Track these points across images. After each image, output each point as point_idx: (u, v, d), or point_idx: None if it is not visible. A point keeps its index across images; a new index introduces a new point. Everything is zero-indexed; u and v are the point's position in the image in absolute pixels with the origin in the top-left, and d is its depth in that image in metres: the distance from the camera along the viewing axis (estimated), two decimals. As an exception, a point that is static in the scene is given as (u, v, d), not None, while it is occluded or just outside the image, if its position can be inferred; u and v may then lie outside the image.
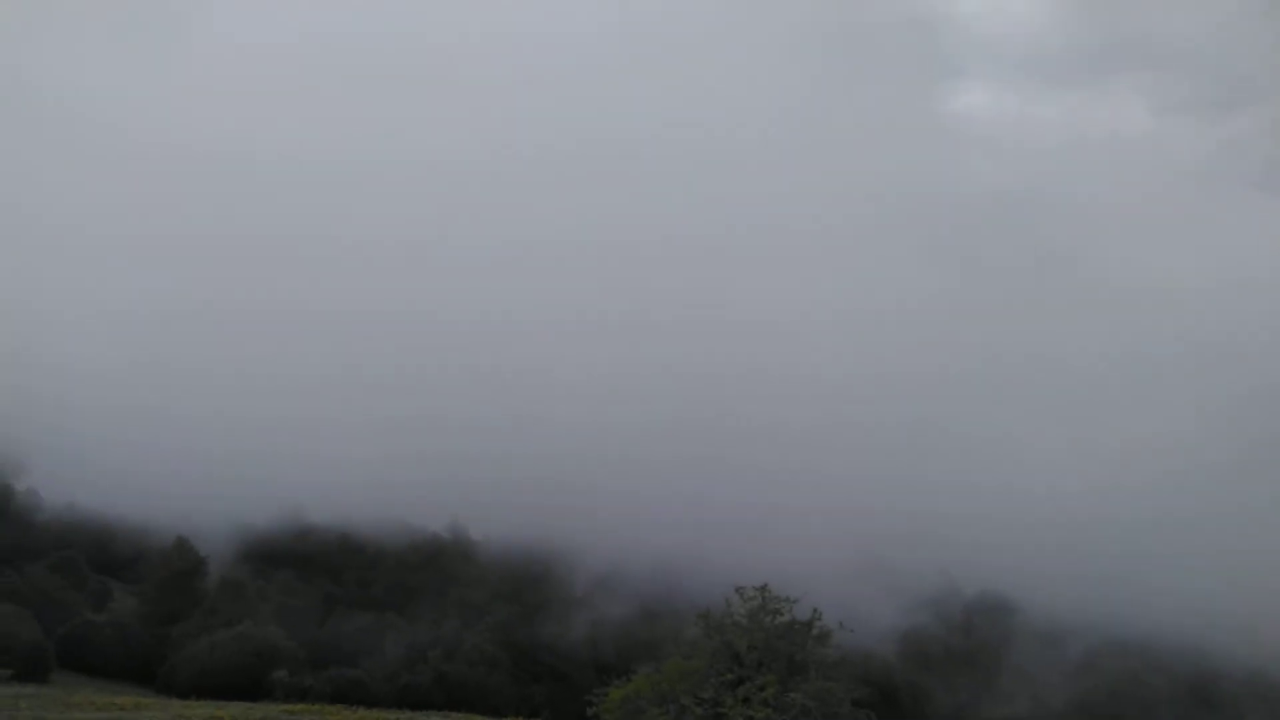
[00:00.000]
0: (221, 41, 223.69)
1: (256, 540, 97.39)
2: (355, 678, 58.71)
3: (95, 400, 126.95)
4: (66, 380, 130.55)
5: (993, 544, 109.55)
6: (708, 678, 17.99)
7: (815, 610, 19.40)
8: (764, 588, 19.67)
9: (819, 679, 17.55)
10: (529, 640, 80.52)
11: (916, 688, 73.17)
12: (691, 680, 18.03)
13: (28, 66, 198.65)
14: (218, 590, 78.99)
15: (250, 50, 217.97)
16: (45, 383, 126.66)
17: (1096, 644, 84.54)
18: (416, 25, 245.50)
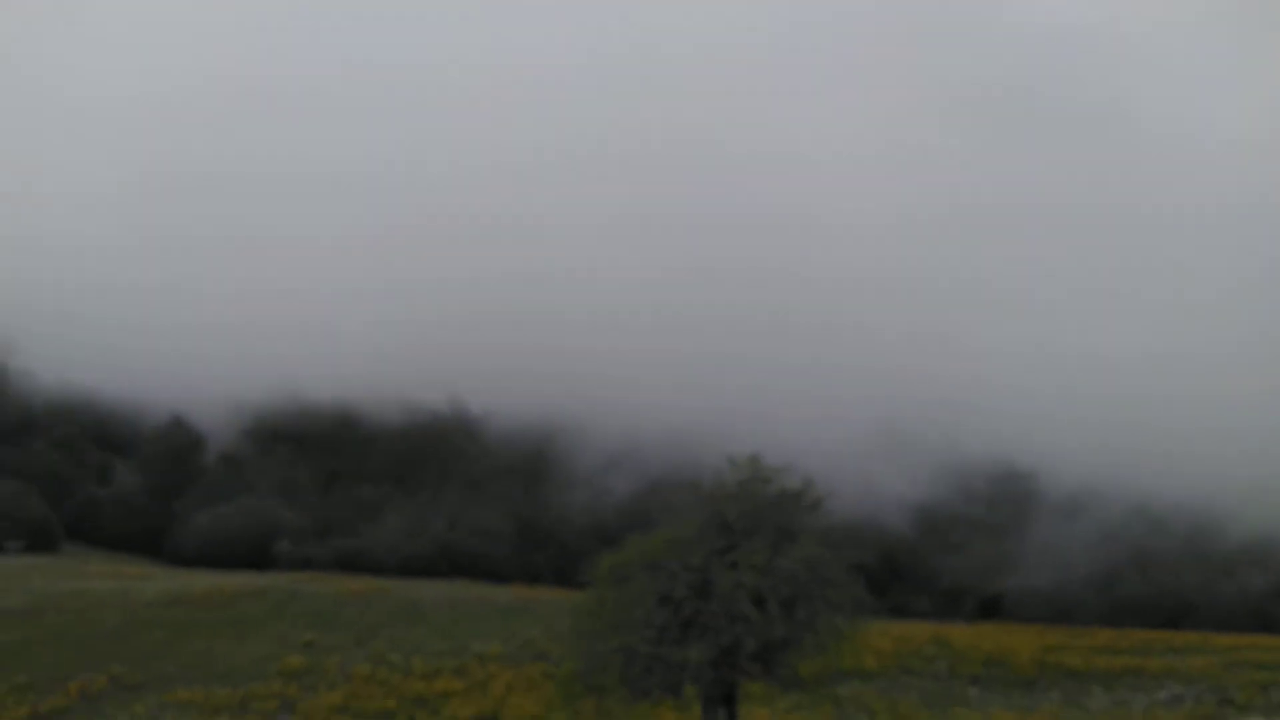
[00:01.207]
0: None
1: (255, 417, 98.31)
2: (357, 547, 59.98)
3: (86, 276, 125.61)
4: (57, 256, 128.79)
5: (1014, 413, 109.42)
6: (697, 546, 17.73)
7: (808, 479, 19.02)
8: (755, 457, 19.27)
9: (809, 546, 17.29)
10: (531, 512, 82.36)
11: (929, 559, 74.76)
12: (681, 548, 17.79)
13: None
14: (217, 466, 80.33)
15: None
16: (36, 260, 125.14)
17: (1117, 515, 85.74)
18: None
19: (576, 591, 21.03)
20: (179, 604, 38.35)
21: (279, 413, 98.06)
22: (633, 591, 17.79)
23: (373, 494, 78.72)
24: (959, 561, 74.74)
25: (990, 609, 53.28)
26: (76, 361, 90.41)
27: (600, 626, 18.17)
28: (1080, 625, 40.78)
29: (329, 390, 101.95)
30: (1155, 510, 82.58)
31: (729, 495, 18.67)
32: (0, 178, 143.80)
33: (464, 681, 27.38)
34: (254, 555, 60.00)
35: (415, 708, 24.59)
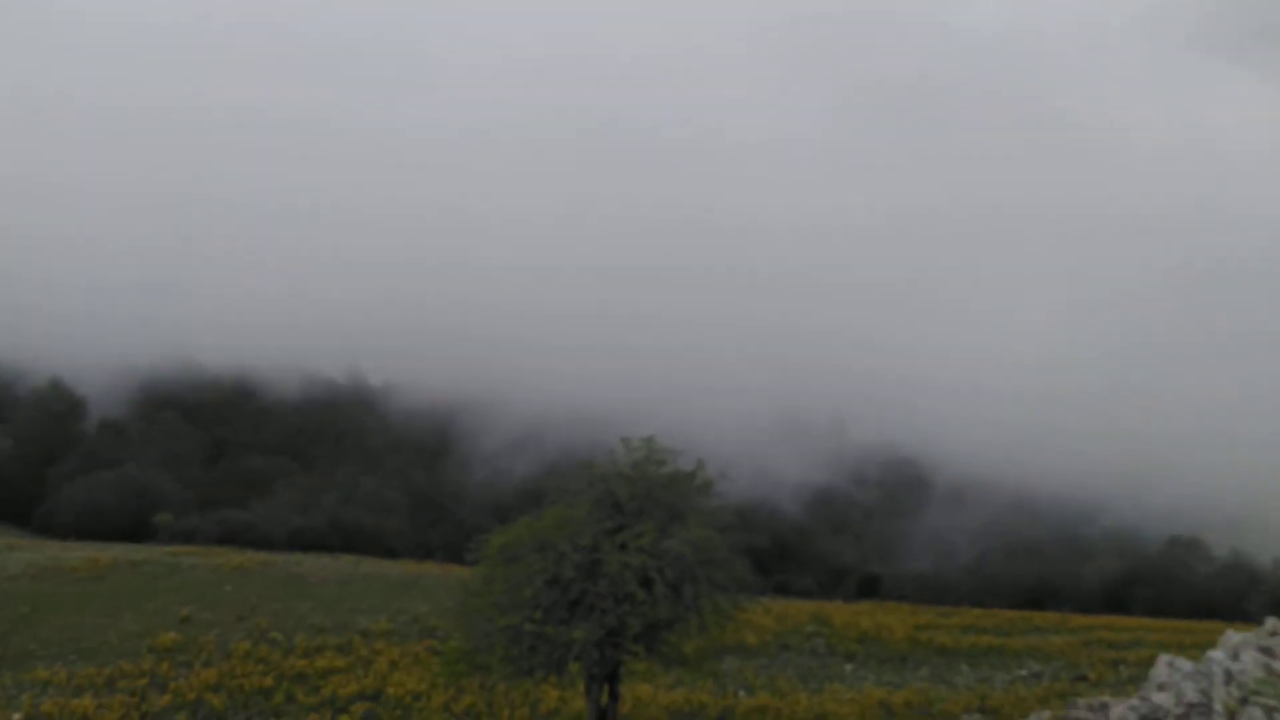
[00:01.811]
0: None
1: (141, 383, 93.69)
2: (244, 520, 57.96)
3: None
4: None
5: (907, 405, 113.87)
6: (587, 526, 17.88)
7: (700, 461, 19.40)
8: (649, 439, 19.52)
9: (697, 528, 17.66)
10: (428, 488, 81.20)
11: (820, 542, 77.07)
12: (570, 528, 17.90)
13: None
14: (97, 432, 76.37)
15: None
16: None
17: (997, 503, 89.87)
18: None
19: (468, 568, 20.94)
20: (46, 577, 36.49)
21: (167, 379, 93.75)
22: (521, 571, 17.84)
23: (264, 466, 76.27)
24: (848, 545, 77.57)
25: (868, 588, 55.48)
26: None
27: (486, 606, 18.18)
28: (951, 605, 43.06)
29: (223, 358, 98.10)
30: (1030, 500, 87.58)
31: (621, 476, 18.87)
32: None
33: (347, 658, 26.93)
34: (132, 528, 57.33)
35: (295, 685, 24.01)
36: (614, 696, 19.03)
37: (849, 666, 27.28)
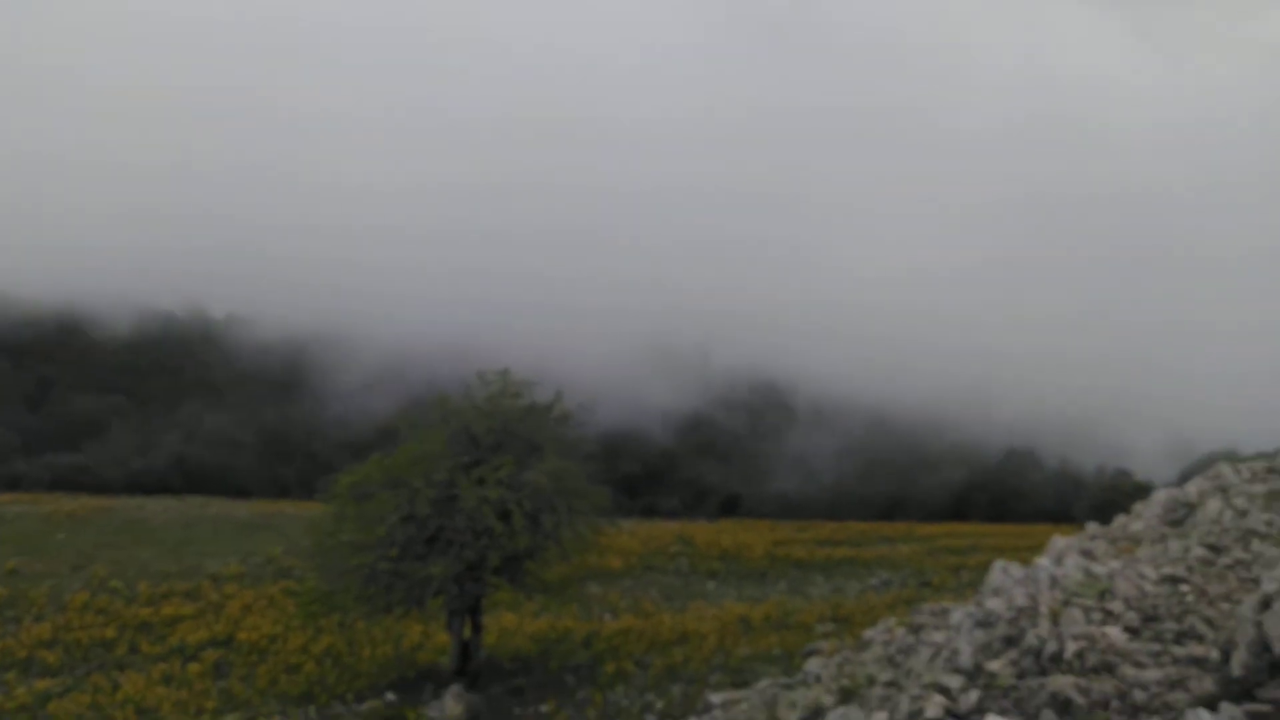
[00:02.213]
0: None
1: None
2: (77, 463, 54.05)
3: None
4: None
5: (773, 327, 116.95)
6: (442, 461, 17.46)
7: (557, 393, 19.21)
8: (505, 371, 19.16)
9: (554, 459, 17.55)
10: (282, 424, 77.74)
11: (690, 467, 78.86)
12: (425, 464, 17.43)
13: None
14: (-104, 373, 69.03)
15: None
16: None
17: (854, 420, 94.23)
18: None
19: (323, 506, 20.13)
20: None
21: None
22: (374, 510, 17.31)
23: (96, 405, 71.00)
24: (715, 469, 79.83)
25: (730, 508, 57.40)
26: None
27: (339, 545, 17.60)
28: (808, 520, 45.27)
29: (44, 291, 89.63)
30: (884, 417, 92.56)
31: (477, 410, 18.48)
32: None
33: (196, 605, 25.71)
34: (-54, 476, 52.49)
35: (139, 635, 22.74)
36: (476, 629, 18.98)
37: (711, 584, 28.27)
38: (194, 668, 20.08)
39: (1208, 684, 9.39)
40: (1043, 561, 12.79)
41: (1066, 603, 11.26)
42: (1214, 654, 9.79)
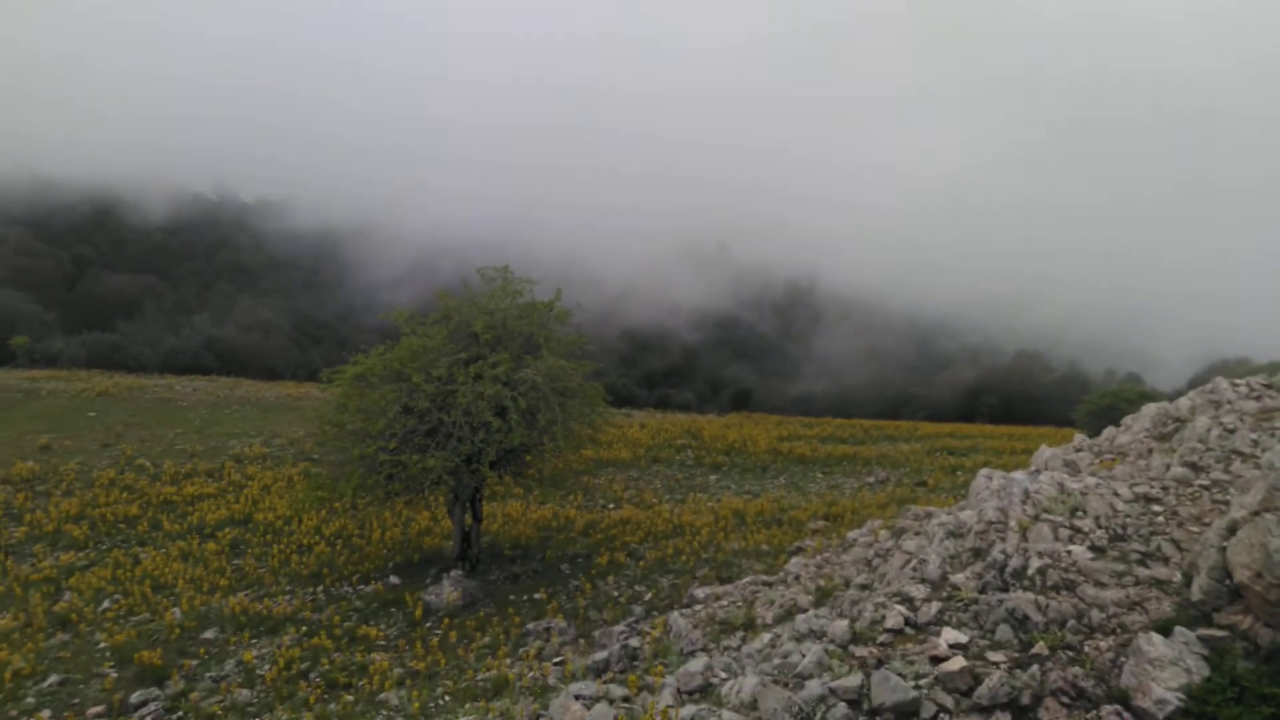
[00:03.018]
0: None
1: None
2: (112, 342, 55.24)
3: None
4: None
5: (807, 228, 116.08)
6: (441, 356, 17.60)
7: (557, 291, 19.11)
8: (505, 269, 19.05)
9: (551, 357, 17.61)
10: (312, 308, 78.73)
11: (714, 365, 79.36)
12: (425, 359, 17.59)
13: None
14: (-67, 250, 70.36)
15: None
16: None
17: (879, 325, 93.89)
18: None
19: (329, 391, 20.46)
20: (-117, 408, 34.37)
21: (15, 193, 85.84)
22: (376, 401, 17.60)
23: (130, 285, 72.21)
24: (740, 368, 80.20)
25: (742, 401, 57.64)
26: None
27: (343, 433, 18.01)
28: (818, 415, 45.46)
29: (79, 173, 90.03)
30: (905, 314, 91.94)
31: (476, 307, 18.49)
32: None
33: (218, 484, 26.68)
34: (-14, 352, 54.07)
35: (161, 513, 23.75)
36: (477, 518, 19.52)
37: (714, 478, 28.68)
38: (211, 546, 20.97)
39: (1166, 607, 9.43)
40: (1018, 475, 12.75)
41: (1036, 518, 11.26)
42: (1177, 577, 9.78)
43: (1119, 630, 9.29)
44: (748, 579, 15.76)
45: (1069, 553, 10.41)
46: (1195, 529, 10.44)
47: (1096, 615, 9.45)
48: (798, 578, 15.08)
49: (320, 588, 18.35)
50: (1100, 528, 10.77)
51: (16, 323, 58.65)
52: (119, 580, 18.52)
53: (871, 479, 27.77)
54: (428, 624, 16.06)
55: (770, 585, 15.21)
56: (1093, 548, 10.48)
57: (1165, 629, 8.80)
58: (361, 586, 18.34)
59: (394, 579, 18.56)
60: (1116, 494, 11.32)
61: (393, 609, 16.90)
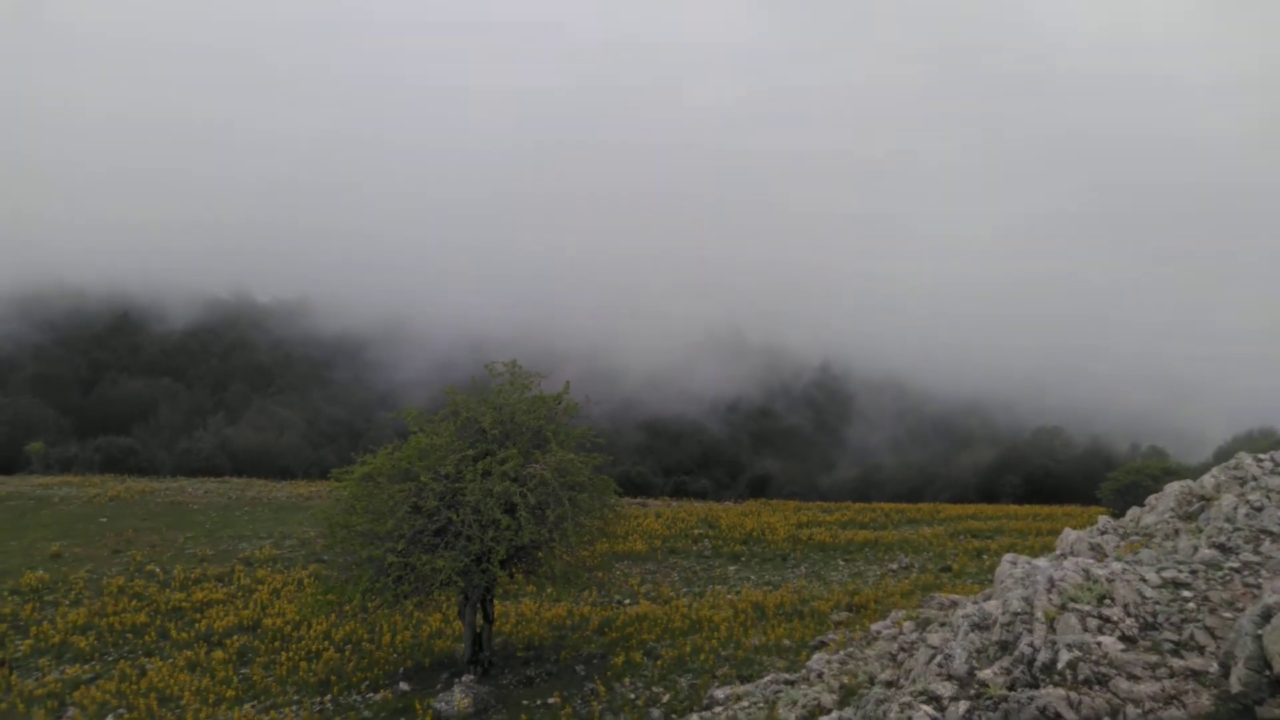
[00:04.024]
0: None
1: (7, 304, 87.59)
2: (126, 445, 55.52)
3: None
4: None
5: (829, 323, 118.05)
6: (449, 454, 17.47)
7: (566, 383, 19.08)
8: (512, 363, 19.08)
9: (560, 451, 17.45)
10: (327, 405, 79.10)
11: (743, 457, 79.10)
12: (433, 457, 17.46)
13: None
14: (-45, 359, 71.53)
15: None
16: None
17: (905, 404, 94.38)
18: None
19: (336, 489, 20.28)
20: (-103, 520, 34.32)
21: (38, 301, 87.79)
22: (384, 500, 17.41)
23: (146, 389, 72.93)
24: (773, 462, 79.72)
25: (759, 487, 56.91)
26: None
27: (351, 535, 17.76)
28: (836, 500, 44.77)
29: (98, 279, 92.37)
30: (918, 393, 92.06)
31: (483, 402, 18.45)
32: None
33: (227, 589, 26.29)
34: (3, 458, 54.41)
35: (169, 621, 23.35)
36: (488, 618, 19.07)
37: (732, 568, 28.03)
38: (218, 655, 20.51)
39: (1204, 700, 8.97)
40: (1041, 562, 12.37)
41: (1063, 607, 10.85)
42: (1214, 667, 9.34)
43: (1158, 727, 8.84)
44: (769, 677, 15.22)
45: (1099, 644, 9.99)
46: (1228, 615, 10.03)
47: (1132, 711, 8.99)
48: (820, 675, 14.54)
49: (328, 696, 17.82)
50: (1130, 616, 10.37)
51: (33, 428, 59.21)
52: (124, 694, 18.06)
53: (894, 565, 27.09)
54: (438, 733, 15.50)
55: (792, 684, 14.67)
56: (1123, 638, 10.06)
57: (1207, 725, 8.37)
58: (370, 694, 17.80)
59: (404, 685, 18.03)
60: (1144, 580, 10.93)
61: (402, 718, 16.35)
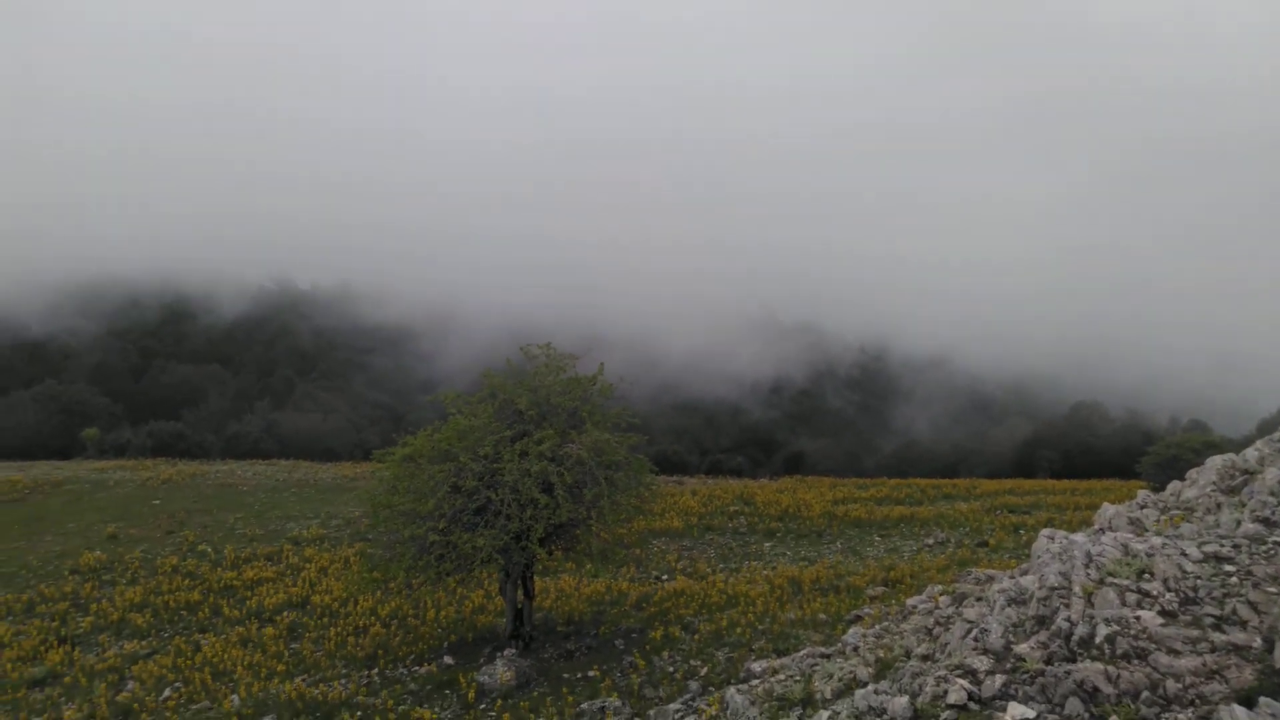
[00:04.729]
0: None
1: (60, 298, 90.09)
2: (176, 430, 56.97)
3: None
4: None
5: (872, 305, 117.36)
6: (487, 435, 17.75)
7: (600, 365, 19.25)
8: (547, 345, 19.28)
9: (596, 430, 17.65)
10: (369, 389, 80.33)
11: (789, 440, 79.11)
12: (471, 438, 17.76)
13: None
14: (10, 349, 73.70)
15: None
16: None
17: (940, 379, 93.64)
18: None
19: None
20: (-38, 503, 35.68)
21: (80, 288, 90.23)
22: (425, 481, 17.76)
23: (194, 375, 74.64)
24: (815, 442, 79.46)
25: (794, 465, 56.67)
26: None
27: (393, 515, 18.16)
28: (869, 476, 44.47)
29: (147, 269, 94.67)
30: (956, 374, 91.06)
31: (520, 384, 18.69)
32: None
33: (277, 568, 27.01)
34: (59, 445, 56.16)
35: (221, 598, 24.09)
36: (528, 594, 19.40)
37: (768, 544, 28.14)
38: (269, 631, 21.12)
39: (1247, 675, 8.90)
40: (1079, 536, 12.29)
41: (1101, 582, 10.80)
42: (1257, 642, 9.26)
43: (1198, 701, 8.78)
44: (805, 651, 15.31)
45: (1138, 618, 9.94)
46: (1272, 590, 9.92)
47: (1172, 685, 8.96)
48: (856, 649, 14.61)
49: (375, 670, 18.29)
50: (1170, 591, 10.29)
51: (88, 415, 60.96)
52: (180, 668, 18.71)
53: (930, 540, 26.97)
54: (481, 705, 15.87)
55: (828, 657, 14.76)
56: (1163, 612, 9.99)
57: (1248, 699, 8.31)
58: (416, 668, 18.24)
59: (448, 659, 18.44)
60: (1185, 554, 10.84)
61: (447, 691, 16.75)
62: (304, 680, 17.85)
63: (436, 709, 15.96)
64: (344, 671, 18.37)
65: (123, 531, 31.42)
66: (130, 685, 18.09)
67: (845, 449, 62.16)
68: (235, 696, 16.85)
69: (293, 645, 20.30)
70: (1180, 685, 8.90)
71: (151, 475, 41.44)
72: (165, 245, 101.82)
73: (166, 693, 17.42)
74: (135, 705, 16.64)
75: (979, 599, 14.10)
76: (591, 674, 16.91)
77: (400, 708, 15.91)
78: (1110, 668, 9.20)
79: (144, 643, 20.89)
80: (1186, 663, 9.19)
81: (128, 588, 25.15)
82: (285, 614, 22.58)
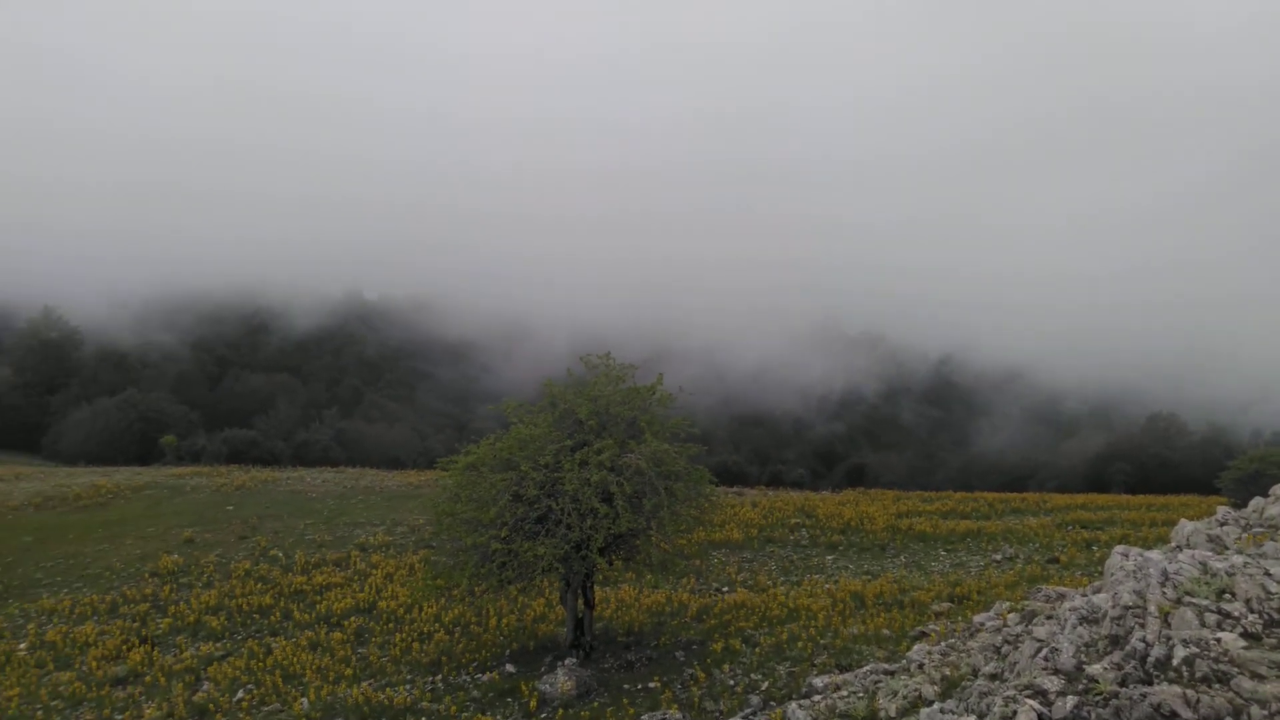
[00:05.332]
0: None
1: (140, 308, 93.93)
2: (249, 437, 58.76)
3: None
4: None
5: (942, 320, 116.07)
6: (548, 444, 17.94)
7: (659, 375, 19.30)
8: (607, 355, 19.42)
9: (655, 440, 17.69)
10: (432, 396, 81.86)
11: (856, 454, 78.37)
12: (532, 447, 17.97)
13: None
14: (97, 360, 76.89)
15: None
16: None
17: (1025, 388, 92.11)
18: None
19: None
20: (50, 506, 37.28)
21: (165, 303, 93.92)
22: (487, 489, 18.02)
23: (266, 384, 76.92)
24: (886, 456, 78.27)
25: (856, 476, 55.77)
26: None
27: (456, 523, 18.45)
28: (934, 489, 43.49)
29: (221, 281, 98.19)
30: (1030, 388, 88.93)
31: (580, 394, 18.84)
32: None
33: (344, 573, 27.62)
34: (139, 451, 58.41)
35: (292, 602, 24.73)
36: (589, 604, 19.50)
37: (830, 558, 27.78)
38: (337, 635, 21.62)
39: (1335, 700, 8.53)
40: (1154, 554, 11.89)
41: (1178, 602, 10.44)
42: (1346, 666, 8.86)
43: (1283, 728, 8.44)
44: (868, 667, 15.09)
45: (1218, 640, 9.57)
46: (1364, 612, 9.47)
47: (1257, 712, 8.61)
48: (921, 666, 14.35)
49: (439, 676, 18.57)
50: (1252, 612, 9.89)
51: (166, 423, 63.26)
52: (252, 670, 19.26)
53: (998, 556, 26.31)
54: (543, 714, 15.99)
55: (892, 674, 14.52)
56: (1245, 634, 9.61)
57: (1337, 728, 7.96)
58: (479, 675, 18.47)
59: (510, 667, 18.63)
60: (1269, 574, 10.41)
61: (509, 699, 16.92)
62: (370, 685, 18.22)
63: (499, 717, 16.14)
64: (409, 677, 18.70)
65: (199, 536, 32.49)
66: (205, 686, 18.69)
67: (909, 463, 61.00)
68: (305, 699, 17.28)
69: (359, 650, 20.74)
70: (1266, 712, 8.55)
71: (226, 482, 42.76)
72: (250, 263, 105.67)
73: (240, 694, 17.95)
74: (211, 706, 17.18)
75: (1049, 617, 13.74)
76: (652, 685, 16.91)
77: (464, 715, 16.12)
78: (1189, 691, 8.88)
79: (218, 645, 21.57)
80: (1272, 688, 8.83)
81: (204, 591, 25.99)
82: (352, 619, 23.09)
